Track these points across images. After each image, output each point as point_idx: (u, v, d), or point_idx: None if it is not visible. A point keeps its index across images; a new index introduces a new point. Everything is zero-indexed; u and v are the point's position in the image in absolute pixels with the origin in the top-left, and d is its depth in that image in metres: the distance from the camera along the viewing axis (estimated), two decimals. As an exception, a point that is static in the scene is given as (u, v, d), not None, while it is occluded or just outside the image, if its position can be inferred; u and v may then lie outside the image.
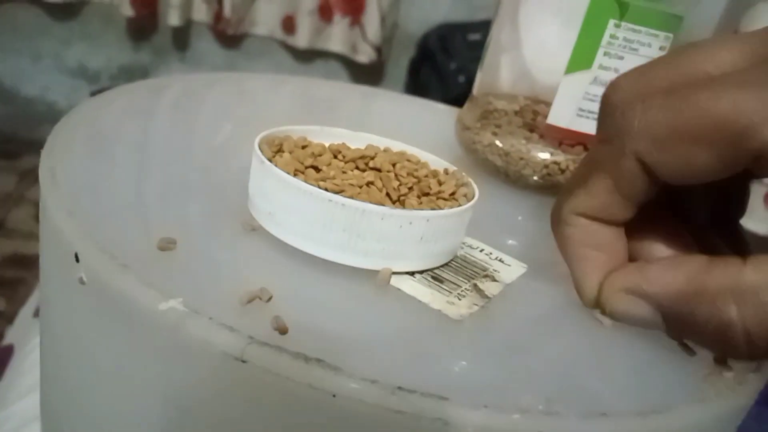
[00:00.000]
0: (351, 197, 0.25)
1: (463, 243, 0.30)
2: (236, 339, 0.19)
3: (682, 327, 0.19)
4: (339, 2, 1.59)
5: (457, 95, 1.34)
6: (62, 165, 0.28)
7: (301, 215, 0.25)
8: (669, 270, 0.19)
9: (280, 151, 0.28)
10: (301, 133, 0.31)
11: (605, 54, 0.34)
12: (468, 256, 0.29)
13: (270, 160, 0.26)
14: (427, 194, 0.28)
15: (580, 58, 0.35)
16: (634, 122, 0.18)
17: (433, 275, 0.27)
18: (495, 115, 0.39)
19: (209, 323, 0.20)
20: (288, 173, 0.25)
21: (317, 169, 0.28)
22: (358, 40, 1.61)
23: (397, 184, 0.28)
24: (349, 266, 0.25)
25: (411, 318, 0.24)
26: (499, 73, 0.41)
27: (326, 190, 0.25)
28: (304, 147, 0.29)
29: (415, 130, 0.35)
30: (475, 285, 0.27)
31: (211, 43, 1.72)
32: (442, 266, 0.27)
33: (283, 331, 0.21)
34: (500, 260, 0.29)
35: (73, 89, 1.77)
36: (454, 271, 0.27)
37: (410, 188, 0.28)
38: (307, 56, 1.70)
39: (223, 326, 0.20)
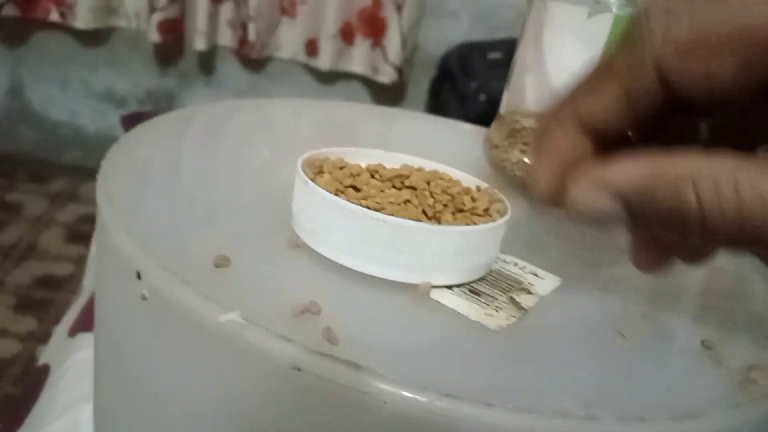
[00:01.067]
0: (391, 214, 0.26)
1: (498, 257, 0.31)
2: (292, 348, 0.21)
3: (643, 216, 0.18)
4: (361, 25, 1.62)
5: (477, 114, 1.35)
6: (117, 189, 0.29)
7: (344, 232, 0.26)
8: (632, 162, 0.18)
9: (320, 172, 0.30)
10: (338, 154, 0.32)
11: (630, 73, 0.35)
12: (503, 270, 0.30)
13: (312, 181, 0.27)
14: (461, 210, 0.29)
15: (606, 78, 0.36)
16: (658, 29, 0.18)
17: (471, 288, 0.28)
18: (522, 133, 0.40)
19: (266, 334, 0.21)
20: (330, 192, 0.26)
21: (356, 189, 0.29)
22: (379, 61, 1.64)
23: (432, 201, 0.29)
24: (389, 280, 0.26)
25: (451, 329, 0.25)
26: (525, 92, 0.42)
27: (368, 208, 0.26)
28: (341, 168, 0.31)
29: (439, 149, 0.36)
30: (512, 298, 0.28)
31: (236, 66, 1.75)
32: (478, 280, 0.28)
33: (333, 341, 0.22)
34: (534, 274, 0.30)
35: (101, 114, 1.81)
36: (490, 284, 0.28)
37: (445, 205, 0.29)
38: (330, 78, 1.73)
39: (279, 337, 0.21)
